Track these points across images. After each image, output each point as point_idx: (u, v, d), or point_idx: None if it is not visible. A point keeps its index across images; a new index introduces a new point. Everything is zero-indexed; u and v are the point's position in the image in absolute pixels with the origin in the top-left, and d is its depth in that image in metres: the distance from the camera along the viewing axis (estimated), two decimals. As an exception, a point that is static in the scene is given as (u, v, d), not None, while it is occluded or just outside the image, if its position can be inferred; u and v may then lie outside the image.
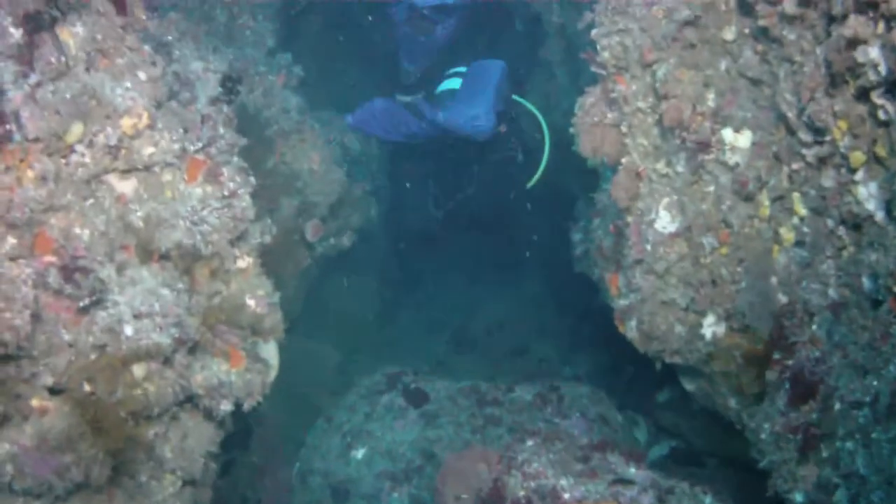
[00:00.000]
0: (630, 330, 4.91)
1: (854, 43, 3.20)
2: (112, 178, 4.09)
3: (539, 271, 11.41)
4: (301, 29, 9.27)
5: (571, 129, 5.76)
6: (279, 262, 7.06)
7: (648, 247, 4.59)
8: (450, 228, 10.27)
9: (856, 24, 3.16)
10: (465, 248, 11.28)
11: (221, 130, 4.71)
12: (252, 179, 4.72)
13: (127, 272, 4.10)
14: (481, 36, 10.06)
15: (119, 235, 4.08)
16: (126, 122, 3.90)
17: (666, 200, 4.52)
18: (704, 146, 4.22)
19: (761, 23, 3.80)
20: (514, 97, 8.60)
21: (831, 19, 3.38)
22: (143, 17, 4.08)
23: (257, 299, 4.88)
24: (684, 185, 4.44)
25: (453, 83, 8.53)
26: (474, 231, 10.46)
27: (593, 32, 4.52)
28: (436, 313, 11.65)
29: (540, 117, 8.64)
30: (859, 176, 3.57)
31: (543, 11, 8.14)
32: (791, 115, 3.80)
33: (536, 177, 8.81)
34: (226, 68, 5.04)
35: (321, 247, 7.81)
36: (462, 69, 8.56)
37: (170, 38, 4.79)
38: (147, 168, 4.16)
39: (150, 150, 4.06)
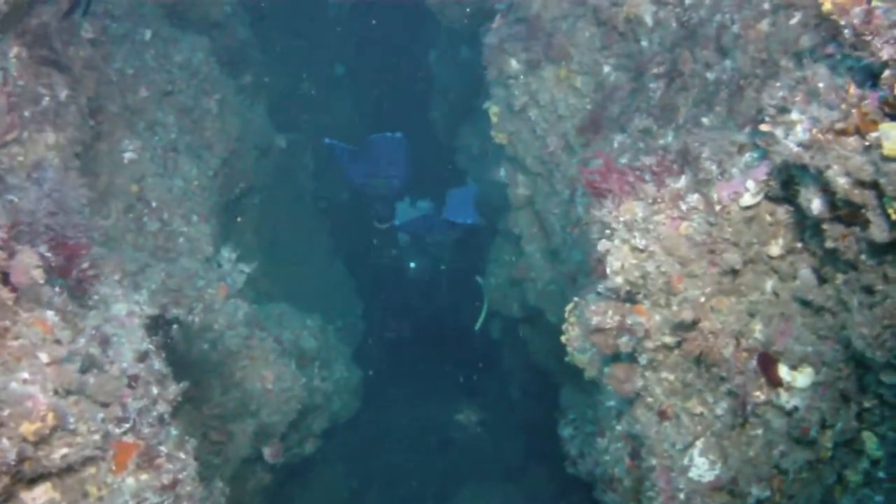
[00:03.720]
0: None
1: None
2: (18, 489, 3.18)
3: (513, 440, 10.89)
4: (242, 207, 8.55)
5: (562, 337, 5.04)
6: (235, 489, 6.21)
7: (682, 496, 3.75)
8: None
9: None
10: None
11: (154, 392, 3.84)
12: (194, 453, 3.88)
13: None
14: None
15: (31, 563, 3.18)
16: (27, 429, 2.99)
17: (702, 444, 3.68)
18: (752, 388, 3.41)
19: (830, 244, 3.01)
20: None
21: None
22: (41, 281, 3.22)
23: (210, 588, 4.01)
24: (724, 429, 3.61)
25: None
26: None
27: (601, 245, 3.69)
28: (405, 489, 10.82)
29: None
30: (960, 423, 2.82)
31: (508, 184, 7.38)
32: (869, 353, 3.01)
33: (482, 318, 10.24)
34: (154, 308, 4.20)
35: (282, 458, 6.91)
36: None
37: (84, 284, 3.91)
38: (63, 470, 3.27)
39: (62, 451, 3.17)
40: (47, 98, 4.58)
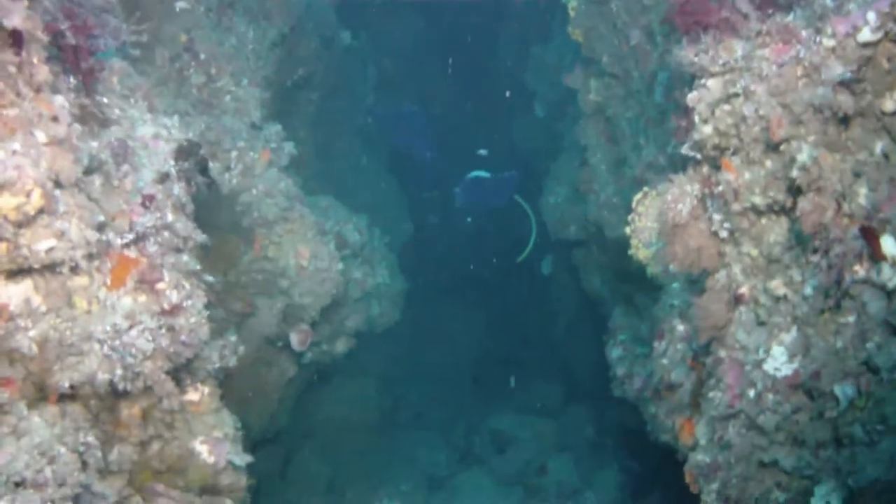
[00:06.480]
0: (709, 494, 3.60)
1: None
2: (-7, 279, 2.81)
3: (553, 377, 10.75)
4: (299, 100, 8.07)
5: (627, 229, 4.61)
6: (256, 375, 5.84)
7: (752, 393, 3.29)
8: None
9: None
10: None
11: (169, 218, 3.45)
12: (207, 286, 3.50)
13: (8, 419, 2.81)
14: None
15: (-1, 366, 2.80)
16: (6, 203, 2.60)
17: (782, 334, 3.21)
18: (850, 260, 2.92)
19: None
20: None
21: None
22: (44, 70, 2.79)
23: (212, 444, 3.63)
24: (812, 314, 3.13)
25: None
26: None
27: (690, 97, 3.23)
28: (437, 415, 10.74)
29: (528, 209, 10.51)
30: None
31: (579, 90, 6.91)
32: None
33: (526, 252, 10.62)
34: (185, 137, 3.80)
35: (311, 353, 6.50)
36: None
37: (107, 94, 3.50)
38: (47, 268, 2.87)
39: (47, 243, 2.78)
40: None
